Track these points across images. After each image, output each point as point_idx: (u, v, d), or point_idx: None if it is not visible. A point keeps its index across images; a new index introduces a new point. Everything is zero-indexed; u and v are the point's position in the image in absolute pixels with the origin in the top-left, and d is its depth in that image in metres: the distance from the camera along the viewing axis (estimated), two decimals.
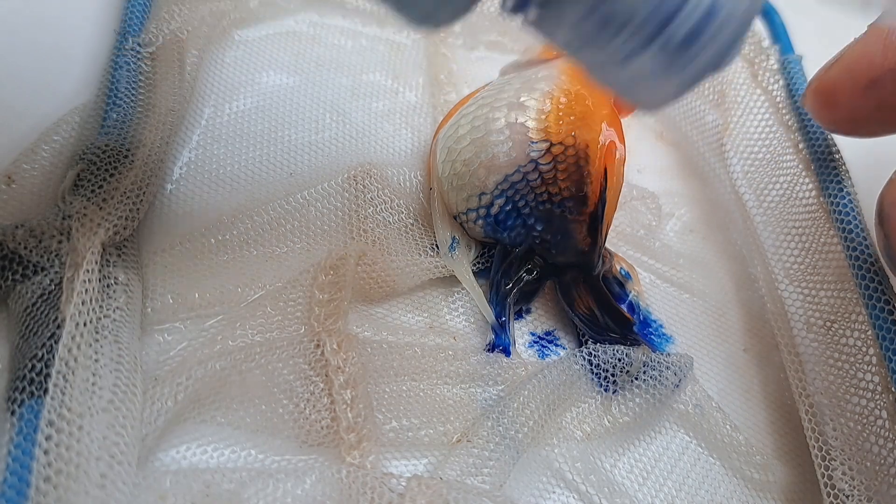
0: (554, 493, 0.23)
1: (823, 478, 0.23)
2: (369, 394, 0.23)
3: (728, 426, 0.25)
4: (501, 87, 0.28)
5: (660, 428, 0.25)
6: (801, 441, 0.25)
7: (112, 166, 0.23)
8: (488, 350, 0.25)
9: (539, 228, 0.26)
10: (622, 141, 0.27)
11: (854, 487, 0.22)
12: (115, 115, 0.24)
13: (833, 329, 0.24)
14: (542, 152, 0.26)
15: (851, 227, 0.25)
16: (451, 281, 0.27)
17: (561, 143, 0.26)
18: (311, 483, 0.20)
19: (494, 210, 0.26)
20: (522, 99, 0.27)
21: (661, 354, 0.25)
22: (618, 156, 0.27)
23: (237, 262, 0.26)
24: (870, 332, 0.23)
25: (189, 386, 0.21)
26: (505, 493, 0.22)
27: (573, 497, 0.23)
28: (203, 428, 0.22)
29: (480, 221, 0.26)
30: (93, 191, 0.22)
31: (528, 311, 0.28)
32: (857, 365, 0.23)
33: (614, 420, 0.24)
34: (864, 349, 0.23)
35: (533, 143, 0.26)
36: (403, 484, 0.20)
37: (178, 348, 0.23)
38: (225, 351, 0.23)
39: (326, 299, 0.24)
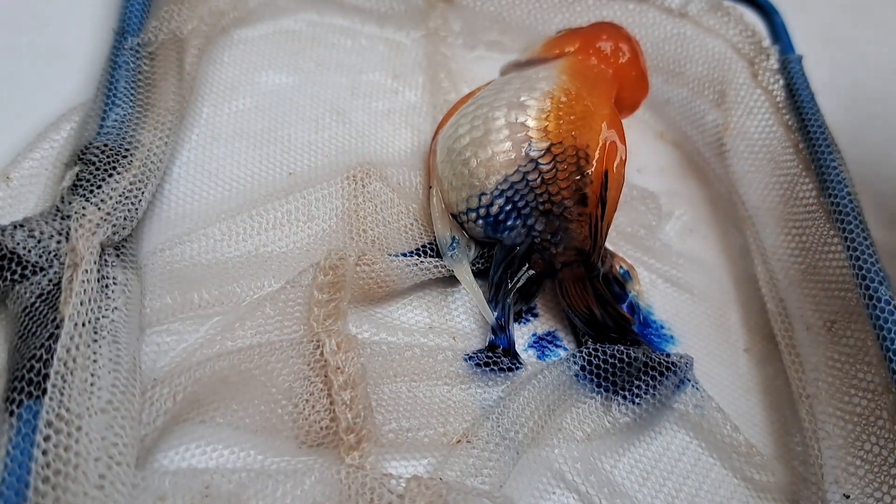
0: (554, 493, 0.23)
1: (824, 478, 0.23)
2: (368, 394, 0.23)
3: (728, 426, 0.25)
4: (501, 86, 0.28)
5: (660, 428, 0.25)
6: (802, 441, 0.25)
7: (111, 166, 0.23)
8: (487, 350, 0.25)
9: (539, 228, 0.26)
10: (623, 141, 0.27)
11: (854, 486, 0.22)
12: (114, 115, 0.24)
13: (833, 329, 0.24)
14: (543, 152, 0.26)
15: (852, 226, 0.25)
16: (450, 281, 0.27)
17: (561, 142, 0.26)
18: (310, 484, 0.20)
19: (494, 210, 0.26)
20: (522, 98, 0.27)
21: (662, 354, 0.25)
22: (618, 157, 0.27)
23: (236, 261, 0.26)
24: (870, 332, 0.23)
25: (188, 387, 0.21)
26: (505, 493, 0.22)
27: (573, 498, 0.23)
28: (202, 429, 0.22)
29: (480, 221, 0.26)
30: (91, 191, 0.22)
31: (535, 315, 0.27)
32: (858, 365, 0.23)
33: (615, 421, 0.24)
34: (864, 349, 0.23)
35: (533, 142, 0.26)
36: (403, 485, 0.20)
37: (178, 349, 0.23)
38: (224, 352, 0.23)
39: (326, 299, 0.24)
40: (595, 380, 0.24)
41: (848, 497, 0.22)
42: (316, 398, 0.22)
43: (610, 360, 0.24)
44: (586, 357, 0.24)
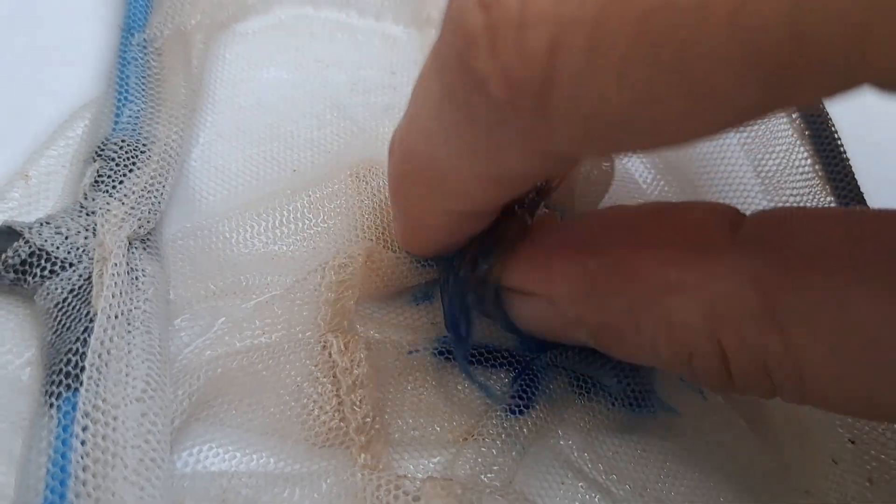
0: (563, 484, 0.23)
1: (828, 424, 0.23)
2: (377, 394, 0.23)
3: (712, 396, 0.25)
4: None
5: (651, 406, 0.25)
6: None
7: (131, 161, 0.23)
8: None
9: None
10: None
11: (860, 435, 0.22)
12: (128, 111, 0.24)
13: None
14: None
15: (846, 191, 0.26)
16: None
17: None
18: (326, 487, 0.20)
19: None
20: None
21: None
22: None
23: (246, 258, 0.26)
24: None
25: (200, 388, 0.22)
26: (516, 489, 0.22)
27: (582, 486, 0.23)
28: (213, 430, 0.22)
29: None
30: (114, 186, 0.22)
31: None
32: None
33: (612, 411, 0.24)
34: None
35: None
36: (418, 485, 0.20)
37: (186, 351, 0.23)
38: (233, 351, 0.23)
39: (334, 299, 0.24)
40: (579, 378, 0.25)
41: (853, 442, 0.22)
42: (325, 399, 0.22)
43: (579, 361, 0.24)
44: (558, 357, 0.24)
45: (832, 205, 0.26)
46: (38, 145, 0.25)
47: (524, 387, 0.24)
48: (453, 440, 0.23)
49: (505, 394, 0.24)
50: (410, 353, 0.25)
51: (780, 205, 0.27)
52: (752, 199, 0.29)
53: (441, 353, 0.25)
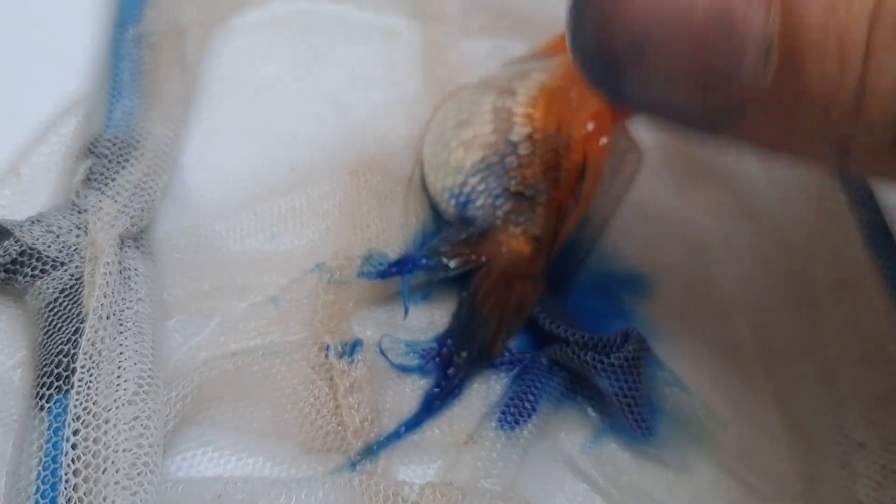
0: (563, 487, 0.23)
1: (836, 428, 0.23)
2: (375, 398, 0.23)
3: (703, 405, 0.24)
4: (496, 74, 0.28)
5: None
6: (801, 400, 0.25)
7: (123, 158, 0.23)
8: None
9: (506, 209, 0.25)
10: (607, 135, 0.26)
11: (869, 438, 0.22)
12: (121, 108, 0.24)
13: (844, 288, 0.25)
14: (524, 137, 0.26)
15: (852, 186, 0.26)
16: (452, 279, 0.26)
17: (544, 130, 0.26)
18: (323, 493, 0.20)
19: (467, 189, 0.25)
20: (513, 85, 0.27)
21: (613, 356, 0.23)
22: (600, 149, 0.26)
23: (240, 257, 0.26)
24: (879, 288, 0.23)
25: (194, 390, 0.21)
26: (517, 493, 0.22)
27: (583, 487, 0.23)
28: (209, 433, 0.22)
29: (453, 200, 0.26)
30: (106, 184, 0.22)
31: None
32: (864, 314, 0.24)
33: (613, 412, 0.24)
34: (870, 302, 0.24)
35: (516, 127, 0.26)
36: (417, 491, 0.20)
37: (179, 352, 0.23)
38: (228, 353, 0.23)
39: (331, 300, 0.24)
40: (579, 377, 0.24)
41: (862, 446, 0.22)
42: (322, 402, 0.22)
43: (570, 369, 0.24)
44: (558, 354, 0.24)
45: (840, 195, 0.26)
46: (30, 142, 0.25)
47: (525, 389, 0.24)
48: (453, 444, 0.23)
49: (504, 395, 0.24)
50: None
51: (785, 192, 0.27)
52: (756, 190, 0.29)
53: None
